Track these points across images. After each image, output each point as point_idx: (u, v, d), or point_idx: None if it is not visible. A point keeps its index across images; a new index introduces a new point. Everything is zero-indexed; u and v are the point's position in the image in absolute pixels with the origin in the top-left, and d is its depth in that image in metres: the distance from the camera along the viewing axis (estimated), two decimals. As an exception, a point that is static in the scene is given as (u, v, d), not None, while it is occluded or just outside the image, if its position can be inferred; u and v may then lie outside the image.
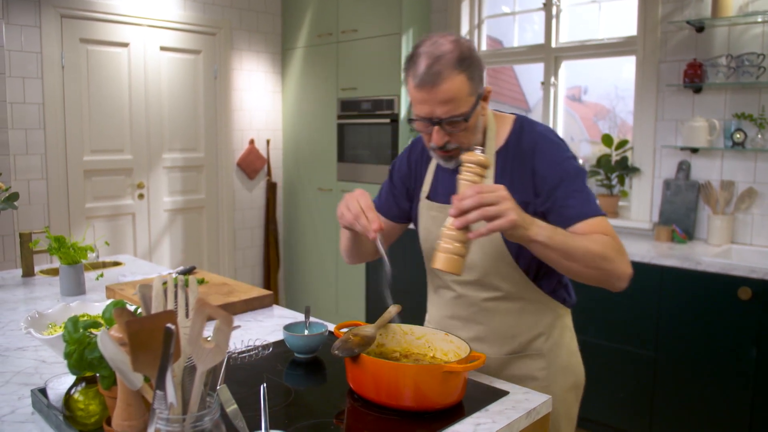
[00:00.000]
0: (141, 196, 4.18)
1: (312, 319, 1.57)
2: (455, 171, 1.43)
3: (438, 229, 1.43)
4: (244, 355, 1.45)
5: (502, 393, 1.26)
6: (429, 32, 4.12)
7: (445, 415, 1.15)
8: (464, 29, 4.02)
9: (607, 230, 1.28)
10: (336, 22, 4.34)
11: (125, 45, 4.02)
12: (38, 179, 3.68)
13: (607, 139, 3.39)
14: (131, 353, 0.81)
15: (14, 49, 3.51)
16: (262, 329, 1.68)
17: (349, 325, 1.38)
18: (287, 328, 1.49)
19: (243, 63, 4.64)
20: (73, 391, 1.05)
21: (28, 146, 3.63)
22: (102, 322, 1.17)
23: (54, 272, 2.28)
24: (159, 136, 4.24)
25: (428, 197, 1.49)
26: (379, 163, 4.14)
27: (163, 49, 4.21)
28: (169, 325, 0.78)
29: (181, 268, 2.20)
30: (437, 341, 1.33)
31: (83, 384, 1.05)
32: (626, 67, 3.51)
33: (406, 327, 1.37)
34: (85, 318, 1.41)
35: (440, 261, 1.14)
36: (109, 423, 0.98)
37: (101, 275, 2.13)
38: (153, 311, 0.91)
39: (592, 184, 3.42)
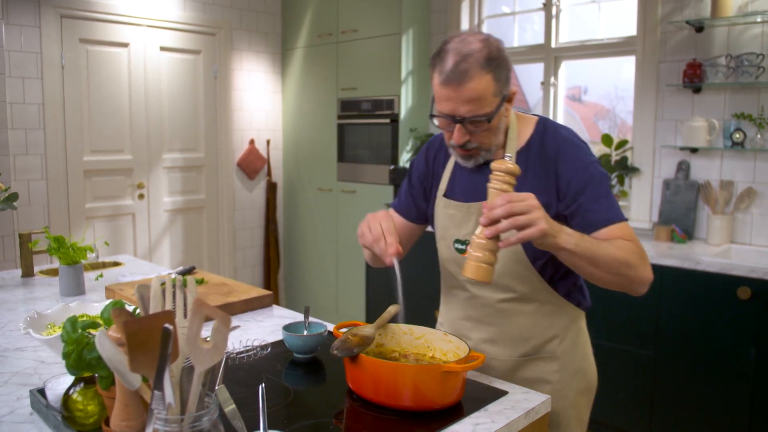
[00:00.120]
0: (141, 196, 4.18)
1: (311, 319, 1.57)
2: (473, 170, 1.43)
3: (454, 227, 1.43)
4: (242, 355, 1.45)
5: (501, 393, 1.26)
6: (429, 32, 4.13)
7: (444, 415, 1.15)
8: (464, 29, 4.01)
9: (630, 236, 1.29)
10: (336, 22, 4.34)
11: (125, 45, 4.02)
12: (38, 179, 3.68)
13: (606, 139, 3.39)
14: (129, 353, 0.81)
15: (14, 50, 3.52)
16: (261, 329, 1.68)
17: (348, 325, 1.38)
18: (286, 328, 1.49)
19: (243, 63, 4.64)
20: (71, 391, 1.05)
21: (28, 146, 3.63)
22: (101, 322, 1.17)
23: (54, 272, 2.28)
24: (159, 137, 4.24)
25: (445, 195, 1.48)
26: (379, 163, 4.14)
27: (163, 49, 4.21)
28: (166, 325, 0.78)
29: (180, 268, 2.20)
30: (436, 341, 1.33)
31: (82, 384, 1.05)
32: (626, 67, 3.51)
33: (405, 327, 1.37)
34: (84, 318, 1.41)
35: (470, 270, 1.14)
36: (107, 423, 0.98)
37: (101, 275, 2.13)
38: (151, 311, 0.91)
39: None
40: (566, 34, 3.70)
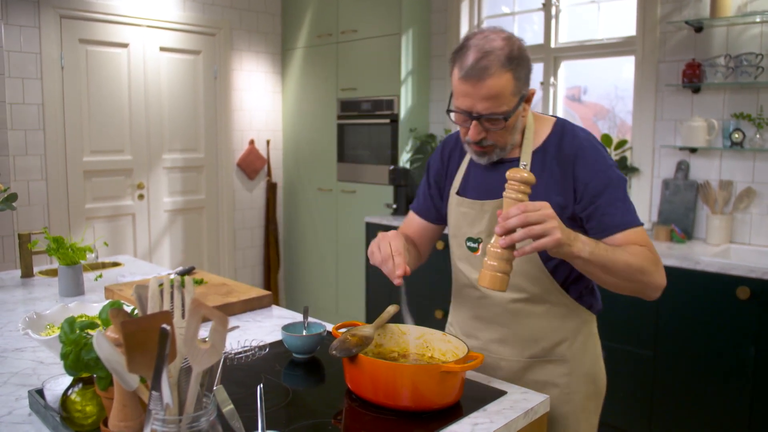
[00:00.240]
0: (141, 196, 4.18)
1: (310, 319, 1.57)
2: (487, 168, 1.43)
3: (467, 225, 1.43)
4: (240, 355, 1.45)
5: (500, 393, 1.26)
6: (429, 33, 4.13)
7: (442, 415, 1.15)
8: (464, 30, 4.01)
9: (645, 241, 1.29)
10: (336, 22, 4.34)
11: (125, 45, 4.02)
12: (38, 180, 3.68)
13: (606, 139, 3.39)
14: (127, 354, 0.81)
15: (13, 50, 3.52)
16: (260, 330, 1.68)
17: (347, 325, 1.38)
18: (286, 328, 1.49)
19: (243, 63, 4.65)
20: (70, 392, 1.05)
21: (28, 147, 3.63)
22: (99, 322, 1.17)
23: (53, 273, 2.28)
24: (159, 137, 4.24)
25: (458, 193, 1.48)
26: (378, 163, 4.14)
27: (162, 49, 4.21)
28: (164, 325, 0.78)
29: (180, 268, 2.20)
30: (435, 341, 1.33)
31: (80, 385, 1.05)
32: (626, 67, 3.51)
33: (404, 327, 1.37)
34: (83, 319, 1.41)
35: (486, 279, 1.15)
36: (106, 424, 0.98)
37: (100, 276, 2.13)
38: (149, 312, 0.91)
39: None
40: (566, 34, 3.70)
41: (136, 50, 4.08)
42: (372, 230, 3.87)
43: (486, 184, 1.42)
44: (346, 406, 1.21)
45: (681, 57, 3.12)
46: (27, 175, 3.63)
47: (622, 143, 3.38)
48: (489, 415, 1.16)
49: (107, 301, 1.38)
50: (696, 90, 3.08)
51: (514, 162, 1.39)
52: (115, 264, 2.47)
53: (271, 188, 4.86)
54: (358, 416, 1.17)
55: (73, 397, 1.04)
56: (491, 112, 1.27)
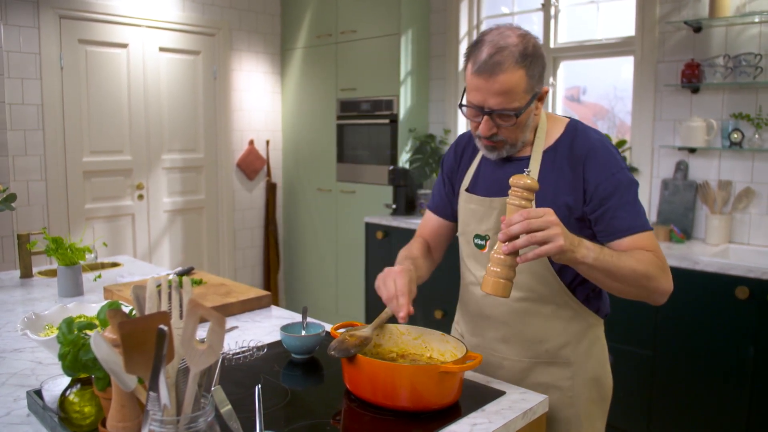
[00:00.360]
0: (140, 197, 4.18)
1: (309, 319, 1.57)
2: (497, 165, 1.43)
3: (475, 222, 1.43)
4: (238, 356, 1.45)
5: (499, 393, 1.26)
6: (428, 33, 4.13)
7: (441, 416, 1.15)
8: (463, 30, 4.02)
9: (653, 246, 1.28)
10: (335, 22, 4.34)
11: (124, 46, 4.02)
12: (37, 180, 3.68)
13: (605, 139, 3.39)
14: (124, 354, 0.81)
15: (13, 50, 3.52)
16: (259, 330, 1.68)
17: (346, 325, 1.38)
18: (284, 328, 1.49)
19: (242, 63, 4.65)
20: (68, 392, 1.05)
21: (27, 147, 3.63)
22: (97, 323, 1.17)
23: (52, 273, 2.28)
24: (158, 137, 4.24)
25: (467, 189, 1.48)
26: (378, 163, 4.14)
27: (162, 49, 4.21)
28: (161, 326, 0.78)
29: (179, 269, 2.20)
30: (434, 341, 1.33)
31: (78, 385, 1.05)
32: (625, 67, 3.51)
33: (402, 327, 1.37)
34: (81, 319, 1.41)
35: (489, 285, 1.15)
36: (104, 424, 0.98)
37: (99, 276, 2.13)
38: (147, 312, 0.91)
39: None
40: (565, 34, 3.70)
41: (136, 50, 4.08)
42: (371, 230, 3.87)
43: (495, 182, 1.42)
44: (345, 407, 1.21)
45: (680, 57, 3.12)
46: (26, 176, 3.63)
47: (621, 143, 3.38)
48: (487, 416, 1.16)
49: (106, 302, 1.38)
50: (695, 90, 3.08)
51: (524, 161, 1.39)
52: (115, 264, 2.47)
53: (271, 188, 4.86)
54: (356, 416, 1.17)
55: (71, 397, 1.04)
56: (503, 108, 1.27)
